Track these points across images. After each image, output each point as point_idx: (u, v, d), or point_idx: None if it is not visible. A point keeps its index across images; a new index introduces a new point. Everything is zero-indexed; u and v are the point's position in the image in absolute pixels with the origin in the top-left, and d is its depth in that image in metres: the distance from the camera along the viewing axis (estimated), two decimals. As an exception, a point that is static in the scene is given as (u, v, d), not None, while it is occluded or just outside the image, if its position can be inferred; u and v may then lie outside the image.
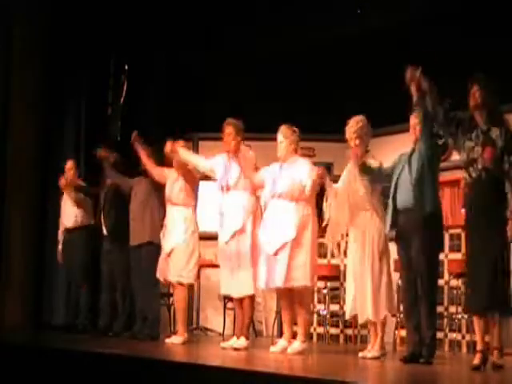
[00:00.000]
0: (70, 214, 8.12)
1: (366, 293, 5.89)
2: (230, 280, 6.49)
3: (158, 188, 7.22)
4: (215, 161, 6.72)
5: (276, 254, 6.14)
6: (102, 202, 7.92)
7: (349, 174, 6.10)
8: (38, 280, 8.76)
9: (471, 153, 5.18)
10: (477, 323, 5.18)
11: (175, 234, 6.93)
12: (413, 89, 5.33)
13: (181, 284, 6.96)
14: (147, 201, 7.37)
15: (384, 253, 5.94)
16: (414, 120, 5.73)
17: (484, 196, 5.13)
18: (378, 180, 5.97)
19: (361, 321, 6.09)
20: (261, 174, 6.46)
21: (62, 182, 8.07)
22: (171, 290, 7.73)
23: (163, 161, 7.17)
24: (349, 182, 6.08)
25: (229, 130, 6.52)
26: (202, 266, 8.00)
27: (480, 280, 5.07)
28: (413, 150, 5.71)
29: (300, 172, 6.22)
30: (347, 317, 6.27)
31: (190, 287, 8.46)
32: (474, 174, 5.16)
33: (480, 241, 5.10)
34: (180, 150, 6.85)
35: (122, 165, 7.83)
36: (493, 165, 5.09)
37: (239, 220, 6.43)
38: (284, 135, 6.35)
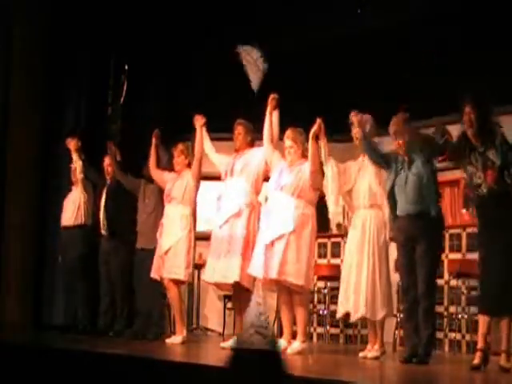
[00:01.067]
0: (69, 211, 8.07)
1: (360, 289, 5.82)
2: (216, 265, 6.41)
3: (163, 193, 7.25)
4: (223, 155, 6.83)
5: (272, 244, 6.07)
6: (104, 199, 7.90)
7: (355, 172, 6.08)
8: (38, 280, 8.76)
9: (474, 178, 5.19)
10: (482, 322, 5.16)
11: (173, 233, 6.92)
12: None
13: (174, 282, 6.94)
14: (157, 207, 7.37)
15: (383, 251, 5.90)
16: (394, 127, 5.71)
17: (494, 210, 5.13)
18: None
19: (353, 319, 5.98)
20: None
21: (71, 142, 7.97)
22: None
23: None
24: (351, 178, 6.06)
25: (239, 130, 6.70)
26: (202, 265, 7.99)
27: (493, 282, 5.06)
28: (406, 158, 5.69)
29: (306, 171, 6.20)
30: (338, 315, 6.10)
31: (190, 286, 8.43)
32: (480, 195, 5.18)
33: (494, 242, 5.09)
34: (201, 128, 6.92)
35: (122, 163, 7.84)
36: (497, 185, 5.10)
37: (236, 204, 6.42)
38: (293, 139, 6.28)
